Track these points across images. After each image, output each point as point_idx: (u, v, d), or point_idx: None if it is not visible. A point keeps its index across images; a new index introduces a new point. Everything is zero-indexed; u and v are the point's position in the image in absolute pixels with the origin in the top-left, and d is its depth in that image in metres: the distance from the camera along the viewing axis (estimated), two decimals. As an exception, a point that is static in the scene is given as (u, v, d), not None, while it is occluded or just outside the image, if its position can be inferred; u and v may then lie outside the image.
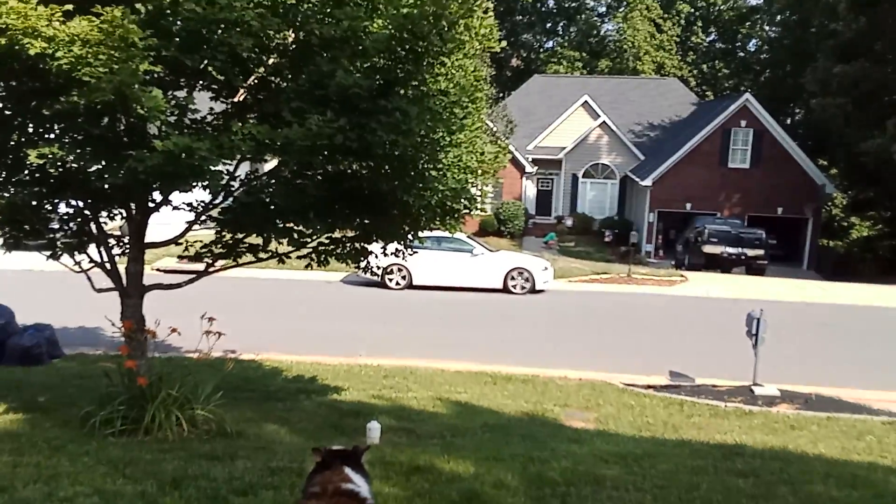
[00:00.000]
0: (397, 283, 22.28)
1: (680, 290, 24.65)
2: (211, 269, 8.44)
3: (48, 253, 7.75)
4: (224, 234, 8.29)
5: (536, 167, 41.36)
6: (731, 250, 30.01)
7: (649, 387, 12.72)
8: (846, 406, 11.79)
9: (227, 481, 5.81)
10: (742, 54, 62.44)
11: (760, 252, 30.14)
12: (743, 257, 30.04)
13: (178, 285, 8.31)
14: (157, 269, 22.11)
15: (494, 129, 30.15)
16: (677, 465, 7.18)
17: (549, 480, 6.28)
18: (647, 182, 35.29)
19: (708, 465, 7.21)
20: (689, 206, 35.29)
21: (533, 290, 22.38)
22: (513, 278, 22.44)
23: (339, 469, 3.21)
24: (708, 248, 30.21)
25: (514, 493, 5.91)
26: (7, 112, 6.84)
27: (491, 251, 23.60)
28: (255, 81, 7.17)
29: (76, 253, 7.87)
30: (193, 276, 8.34)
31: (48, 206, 7.50)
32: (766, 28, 59.25)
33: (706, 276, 27.99)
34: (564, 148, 41.87)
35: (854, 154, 33.34)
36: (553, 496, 5.89)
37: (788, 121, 51.19)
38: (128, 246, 7.96)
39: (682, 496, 6.07)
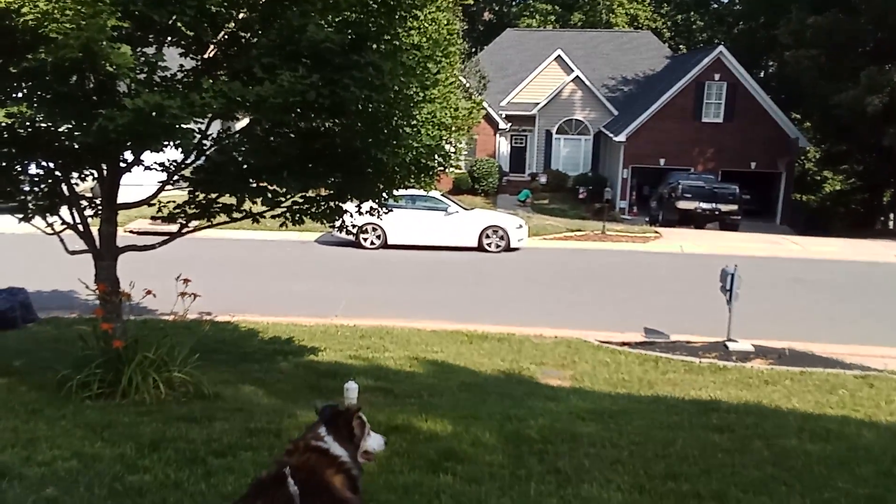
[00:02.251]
0: (372, 243, 22.21)
1: (654, 247, 24.76)
2: (184, 230, 8.35)
3: (20, 215, 7.61)
4: (197, 194, 8.18)
5: (510, 123, 41.11)
6: (704, 206, 30.08)
7: (624, 344, 12.79)
8: (819, 360, 11.92)
9: (205, 443, 5.81)
10: (716, 6, 62.12)
11: (734, 207, 30.23)
12: (716, 213, 30.15)
13: (152, 247, 8.22)
14: (130, 231, 21.88)
15: (467, 84, 29.88)
16: (653, 421, 7.23)
17: (527, 438, 6.30)
18: (621, 138, 35.23)
19: (683, 420, 7.26)
20: (662, 161, 35.30)
21: (508, 248, 22.39)
22: (487, 236, 22.42)
23: (315, 428, 3.45)
24: (682, 204, 30.28)
25: (491, 451, 5.94)
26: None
27: (465, 209, 23.53)
28: (226, 37, 7.01)
29: (48, 215, 7.74)
30: (167, 237, 8.24)
31: (18, 167, 7.33)
32: (740, -21, 59.00)
33: (680, 231, 28.10)
34: (538, 104, 41.65)
35: (827, 107, 33.36)
36: (530, 453, 5.92)
37: (762, 74, 51.04)
38: (100, 207, 7.85)
39: (659, 451, 6.11)
